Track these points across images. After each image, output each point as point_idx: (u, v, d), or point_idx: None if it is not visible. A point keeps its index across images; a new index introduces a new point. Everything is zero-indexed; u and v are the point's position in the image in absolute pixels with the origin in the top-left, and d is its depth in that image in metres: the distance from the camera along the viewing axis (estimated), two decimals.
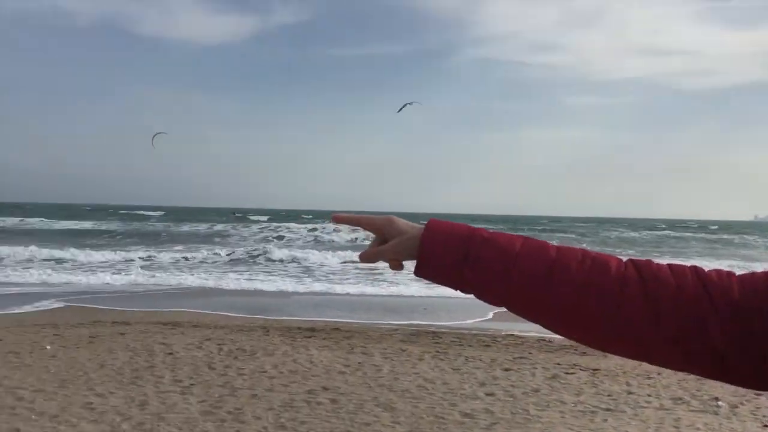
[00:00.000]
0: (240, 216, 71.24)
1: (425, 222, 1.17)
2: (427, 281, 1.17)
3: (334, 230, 46.46)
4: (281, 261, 24.59)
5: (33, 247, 25.15)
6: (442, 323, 12.50)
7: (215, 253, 26.84)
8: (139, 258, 24.59)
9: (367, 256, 1.21)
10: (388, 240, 1.18)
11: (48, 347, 9.00)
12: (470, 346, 10.00)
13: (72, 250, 25.50)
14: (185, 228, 47.76)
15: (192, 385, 7.26)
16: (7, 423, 5.84)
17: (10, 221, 50.45)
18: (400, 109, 17.03)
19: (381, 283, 18.80)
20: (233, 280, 19.11)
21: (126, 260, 23.82)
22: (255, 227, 49.30)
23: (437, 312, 13.81)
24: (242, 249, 29.15)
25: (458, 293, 1.17)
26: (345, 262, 23.80)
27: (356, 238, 38.29)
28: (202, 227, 48.53)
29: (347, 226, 1.28)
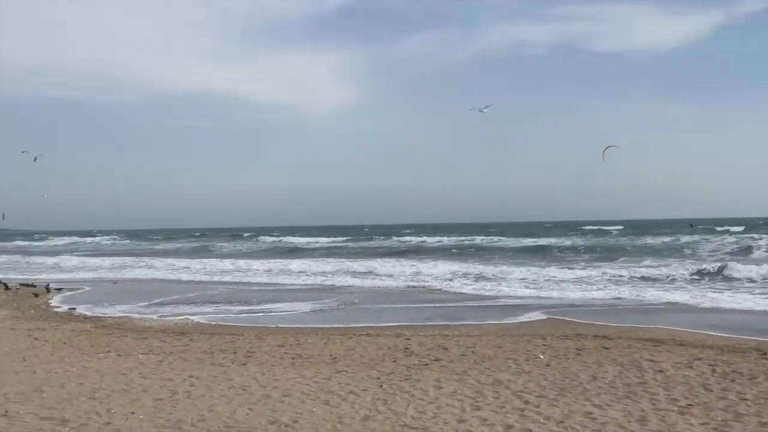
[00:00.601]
0: (707, 228, 65.93)
1: None
2: None
3: None
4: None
5: (504, 267, 27.70)
6: None
7: (684, 268, 25.34)
8: (607, 273, 24.76)
9: None
10: None
11: (541, 356, 9.71)
12: None
13: (545, 266, 27.26)
14: (648, 241, 46.43)
15: (689, 405, 6.93)
16: (520, 423, 6.44)
17: (480, 239, 56.37)
18: None
19: None
20: (710, 297, 17.77)
21: (593, 276, 24.25)
22: (730, 238, 44.76)
23: None
24: (716, 263, 26.86)
25: None
26: None
27: None
28: (666, 240, 46.48)
29: None
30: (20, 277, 28.26)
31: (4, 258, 42.16)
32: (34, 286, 22.70)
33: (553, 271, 25.31)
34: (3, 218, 25.80)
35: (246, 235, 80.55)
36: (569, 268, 26.63)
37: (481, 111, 12.36)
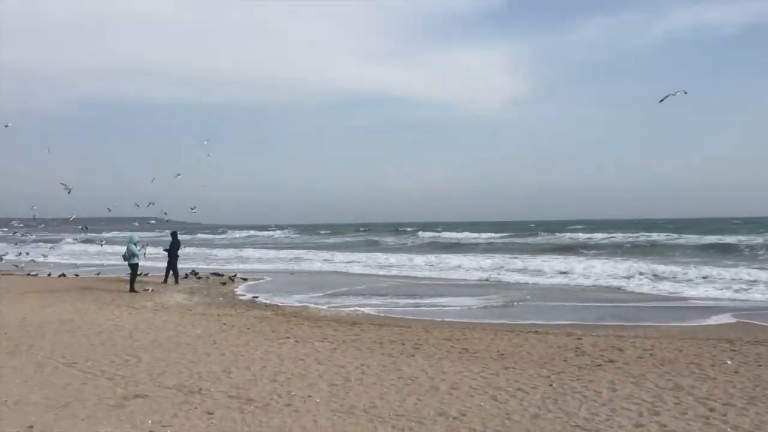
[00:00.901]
0: None
1: None
2: None
3: None
4: None
5: (685, 265, 25.61)
6: None
7: None
8: None
9: None
10: None
11: (729, 362, 8.96)
12: None
13: (732, 265, 24.98)
14: None
15: None
16: (702, 431, 5.99)
17: (657, 236, 52.80)
18: None
19: None
20: None
21: None
22: None
23: None
24: None
25: None
26: None
27: None
28: None
29: None
30: (208, 267, 30.89)
31: (192, 249, 46.15)
32: (222, 276, 24.72)
33: (743, 271, 23.05)
34: (194, 210, 28.20)
35: (409, 230, 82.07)
36: (762, 268, 24.20)
37: (667, 98, 11.53)
